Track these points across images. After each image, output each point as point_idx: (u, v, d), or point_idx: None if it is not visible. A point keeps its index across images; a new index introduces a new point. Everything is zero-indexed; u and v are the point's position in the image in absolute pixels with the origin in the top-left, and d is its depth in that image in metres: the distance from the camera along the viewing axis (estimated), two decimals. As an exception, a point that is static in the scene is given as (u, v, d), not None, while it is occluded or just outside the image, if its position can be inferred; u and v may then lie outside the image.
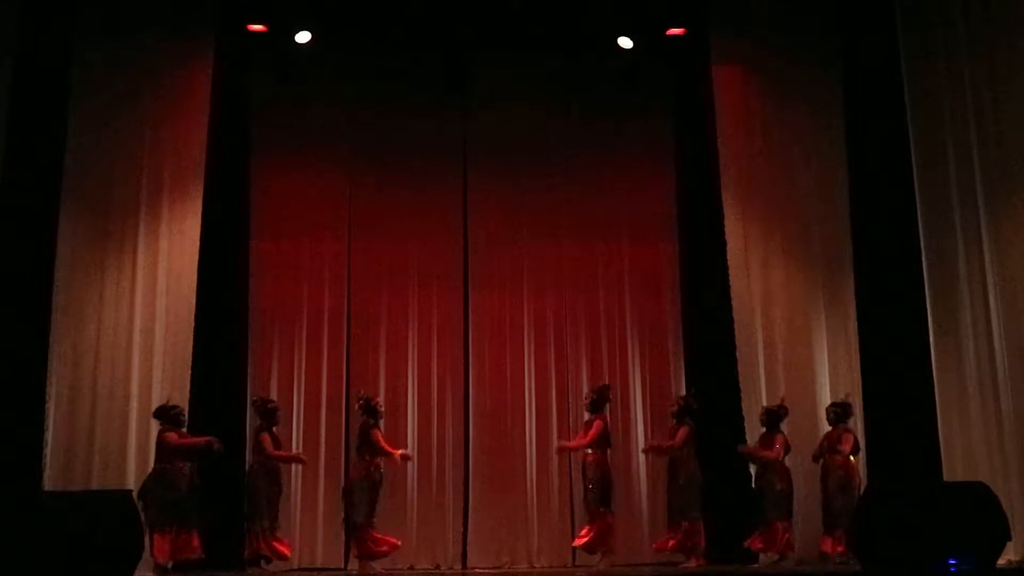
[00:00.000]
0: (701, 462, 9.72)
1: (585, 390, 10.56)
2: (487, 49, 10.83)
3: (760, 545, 9.56)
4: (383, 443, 9.57)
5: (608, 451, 9.84)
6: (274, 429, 9.63)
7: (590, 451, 9.75)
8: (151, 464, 9.20)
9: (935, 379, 9.52)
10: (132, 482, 9.28)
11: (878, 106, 10.21)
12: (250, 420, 9.97)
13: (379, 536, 9.51)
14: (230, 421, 10.06)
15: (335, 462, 10.44)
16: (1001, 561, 7.55)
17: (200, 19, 10.19)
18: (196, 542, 8.95)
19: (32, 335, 9.47)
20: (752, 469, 9.85)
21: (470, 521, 10.48)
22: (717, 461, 9.92)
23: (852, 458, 9.53)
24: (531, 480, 10.64)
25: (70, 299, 9.75)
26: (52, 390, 9.53)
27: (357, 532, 9.48)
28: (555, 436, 10.66)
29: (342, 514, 9.83)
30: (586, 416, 10.05)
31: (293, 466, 10.18)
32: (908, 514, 6.86)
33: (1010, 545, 7.80)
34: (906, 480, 9.14)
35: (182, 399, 9.62)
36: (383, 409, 9.84)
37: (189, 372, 9.80)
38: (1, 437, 9.00)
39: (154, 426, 9.31)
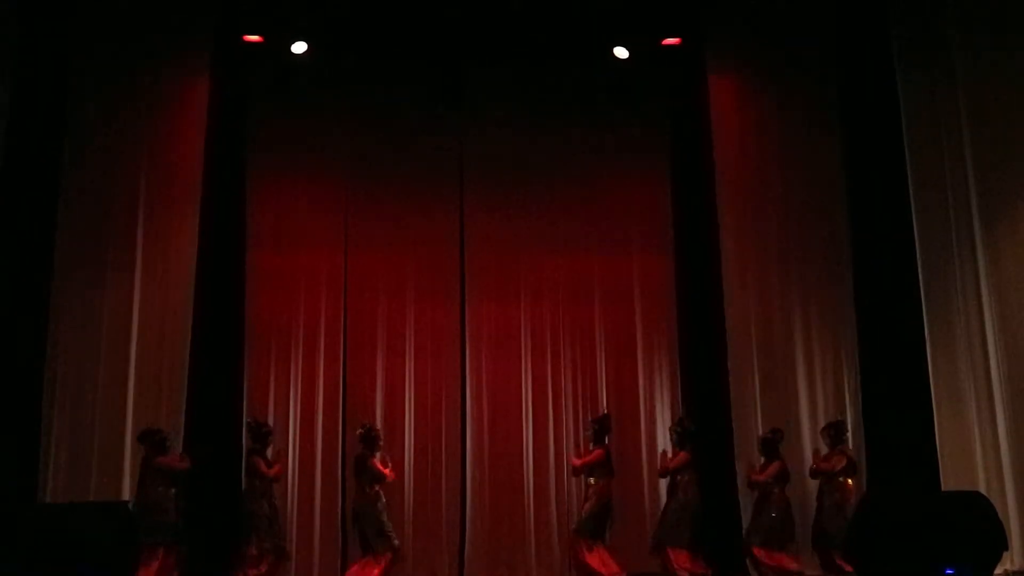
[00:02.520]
0: (700, 488, 9.69)
1: (582, 402, 10.57)
2: (483, 60, 10.88)
3: (756, 570, 9.52)
4: (380, 468, 9.53)
5: (611, 480, 9.75)
6: (268, 451, 9.64)
7: (593, 480, 9.71)
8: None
9: (932, 389, 9.53)
10: (128, 496, 9.25)
11: (874, 116, 10.24)
12: (245, 438, 9.92)
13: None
14: (225, 435, 10.05)
15: (332, 476, 10.42)
16: (998, 571, 7.55)
17: (197, 29, 10.22)
18: (179, 565, 8.96)
19: (30, 346, 9.47)
20: (742, 493, 9.86)
21: (467, 535, 10.45)
22: (711, 476, 9.91)
23: (849, 481, 9.52)
24: (528, 493, 10.62)
25: (68, 311, 9.75)
26: (50, 404, 9.52)
27: (381, 560, 9.40)
28: (552, 448, 10.67)
29: (340, 531, 9.96)
30: (590, 446, 9.98)
31: (290, 483, 10.19)
32: (905, 523, 6.86)
33: (1007, 555, 7.81)
34: (903, 490, 9.14)
35: (178, 412, 9.64)
36: (382, 441, 9.80)
37: (186, 385, 9.80)
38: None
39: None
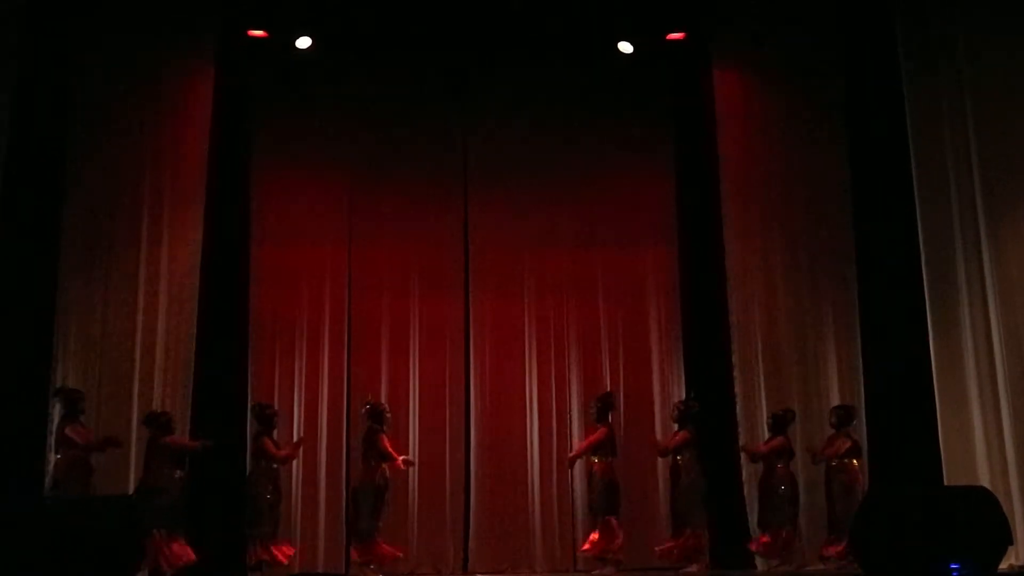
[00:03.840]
0: (703, 468, 9.73)
1: (586, 398, 10.58)
2: (488, 54, 10.85)
3: (761, 549, 9.57)
4: (389, 448, 9.57)
5: (614, 459, 9.80)
6: (274, 434, 9.65)
7: (596, 459, 9.74)
8: (151, 470, 9.20)
9: (935, 383, 9.51)
10: (133, 488, 9.23)
11: (879, 111, 10.21)
12: (250, 426, 9.96)
13: (384, 544, 9.51)
14: (231, 427, 10.07)
15: (336, 468, 10.44)
16: (1003, 565, 7.54)
17: (201, 25, 10.23)
18: (187, 547, 8.97)
19: (35, 341, 9.49)
20: (745, 471, 9.90)
21: (471, 527, 10.47)
22: (717, 466, 9.92)
23: (855, 462, 9.53)
24: (532, 485, 10.62)
25: (73, 305, 9.76)
26: (54, 396, 9.52)
27: (362, 539, 9.48)
28: (556, 441, 10.67)
29: (344, 518, 9.99)
30: (595, 425, 10.01)
31: (294, 472, 10.21)
32: (909, 518, 6.85)
33: (1012, 550, 7.81)
34: (907, 484, 9.13)
35: (183, 405, 9.66)
36: (390, 415, 9.83)
37: (191, 378, 9.81)
38: (4, 443, 9.00)
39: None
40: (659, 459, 10.29)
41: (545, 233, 11.09)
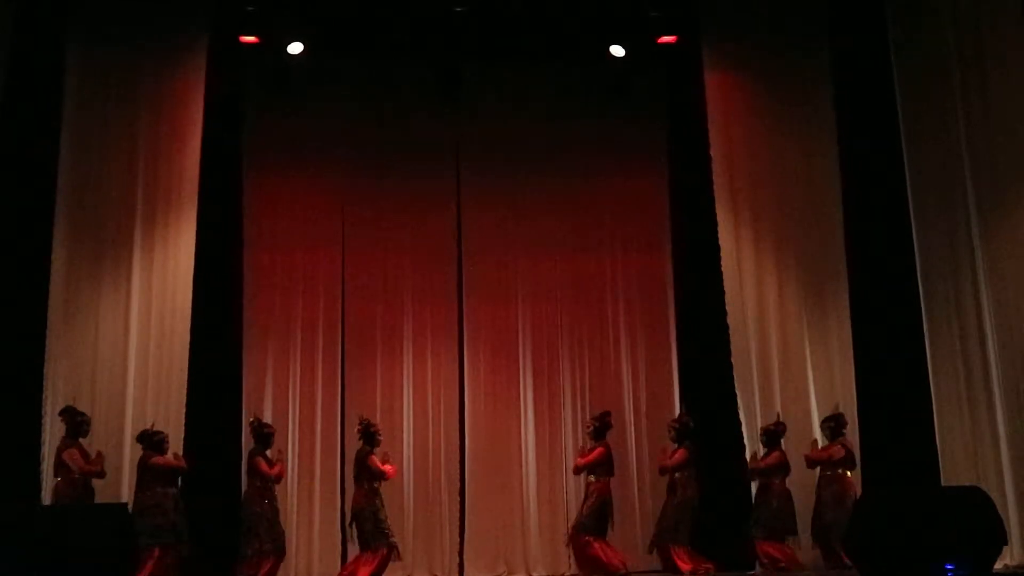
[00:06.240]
0: (700, 485, 9.69)
1: (580, 401, 10.59)
2: (480, 59, 10.86)
3: (759, 561, 9.52)
4: (379, 466, 9.52)
5: (611, 478, 9.76)
6: (268, 453, 9.62)
7: (593, 477, 9.70)
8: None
9: (931, 383, 9.53)
10: (127, 497, 9.20)
11: (870, 112, 10.22)
12: (245, 438, 9.90)
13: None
14: (225, 434, 10.02)
15: (331, 474, 10.44)
16: (998, 565, 7.55)
17: (193, 30, 10.20)
18: (179, 566, 8.94)
19: (28, 348, 9.43)
20: (752, 486, 9.87)
21: (466, 531, 10.46)
22: (715, 473, 9.91)
23: (848, 473, 9.53)
24: (527, 489, 10.63)
25: (65, 313, 9.71)
26: (48, 405, 9.47)
27: (377, 556, 9.40)
28: (550, 446, 10.71)
29: (340, 526, 10.00)
30: (590, 444, 9.96)
31: (289, 483, 10.19)
32: (905, 519, 6.87)
33: (1007, 549, 7.82)
34: (903, 486, 9.13)
35: (178, 411, 9.62)
36: (381, 437, 9.74)
37: (185, 385, 9.75)
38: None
39: None
40: (647, 469, 10.28)
41: (539, 236, 11.11)
